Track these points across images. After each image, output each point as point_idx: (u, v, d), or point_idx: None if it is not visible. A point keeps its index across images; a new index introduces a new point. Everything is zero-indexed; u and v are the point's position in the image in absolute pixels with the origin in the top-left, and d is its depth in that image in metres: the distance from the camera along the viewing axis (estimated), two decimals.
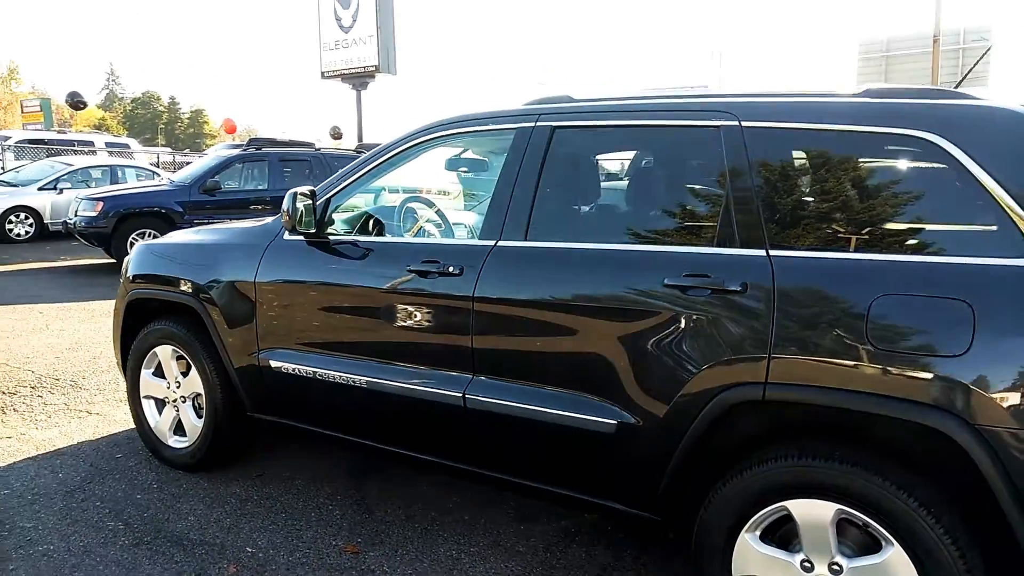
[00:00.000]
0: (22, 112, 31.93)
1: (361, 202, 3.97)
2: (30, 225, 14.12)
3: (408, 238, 3.58)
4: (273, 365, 3.28)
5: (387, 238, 3.42)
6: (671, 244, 2.55)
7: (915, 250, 2.12)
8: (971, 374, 1.91)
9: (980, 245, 2.05)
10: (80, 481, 3.58)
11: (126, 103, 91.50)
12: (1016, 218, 1.97)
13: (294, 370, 3.21)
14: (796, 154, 2.42)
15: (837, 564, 2.09)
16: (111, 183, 14.43)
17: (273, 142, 12.09)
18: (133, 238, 10.27)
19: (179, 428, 3.74)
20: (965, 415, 1.92)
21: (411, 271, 2.88)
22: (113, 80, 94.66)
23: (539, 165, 2.78)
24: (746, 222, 2.32)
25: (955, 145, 2.08)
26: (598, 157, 3.32)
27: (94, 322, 7.13)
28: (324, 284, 3.18)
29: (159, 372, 3.80)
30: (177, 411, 3.73)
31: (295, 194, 3.15)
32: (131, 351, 3.85)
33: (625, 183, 3.24)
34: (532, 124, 2.85)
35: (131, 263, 3.92)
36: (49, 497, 3.41)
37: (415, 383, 2.89)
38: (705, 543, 2.32)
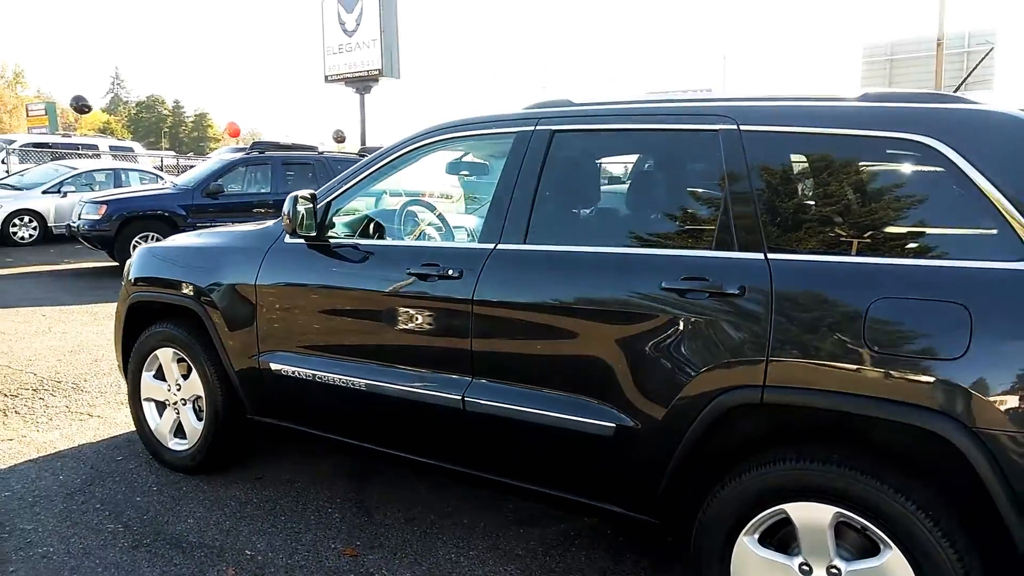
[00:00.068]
0: (27, 116, 32.03)
1: (362, 205, 3.98)
2: (34, 228, 14.16)
3: (408, 241, 3.59)
4: (273, 368, 3.29)
5: (387, 241, 3.42)
6: (669, 247, 2.56)
7: (913, 253, 2.12)
8: (968, 377, 1.91)
9: (977, 249, 2.05)
10: (80, 483, 3.59)
11: (131, 107, 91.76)
12: (1013, 222, 1.97)
13: (294, 373, 3.22)
14: (794, 158, 2.42)
15: (835, 567, 2.09)
16: (115, 186, 14.47)
17: (276, 146, 12.13)
18: (136, 241, 10.30)
19: (179, 430, 3.75)
20: (962, 418, 1.92)
21: (411, 274, 2.89)
22: (118, 84, 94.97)
23: (538, 169, 2.79)
24: (744, 225, 2.32)
25: (953, 149, 2.09)
26: (598, 161, 3.32)
27: (96, 325, 7.15)
28: (324, 287, 3.19)
29: (160, 375, 3.81)
30: (177, 413, 3.74)
31: (296, 197, 3.16)
32: (132, 354, 3.86)
33: (626, 187, 3.24)
34: (532, 128, 2.86)
35: (133, 266, 3.93)
36: (49, 499, 3.42)
37: (415, 386, 2.89)
38: (704, 546, 2.32)
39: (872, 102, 2.31)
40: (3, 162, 17.53)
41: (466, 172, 4.07)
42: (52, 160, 17.27)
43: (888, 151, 2.25)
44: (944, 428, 1.93)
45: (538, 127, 2.84)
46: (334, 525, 3.22)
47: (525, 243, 2.73)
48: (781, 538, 2.22)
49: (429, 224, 3.82)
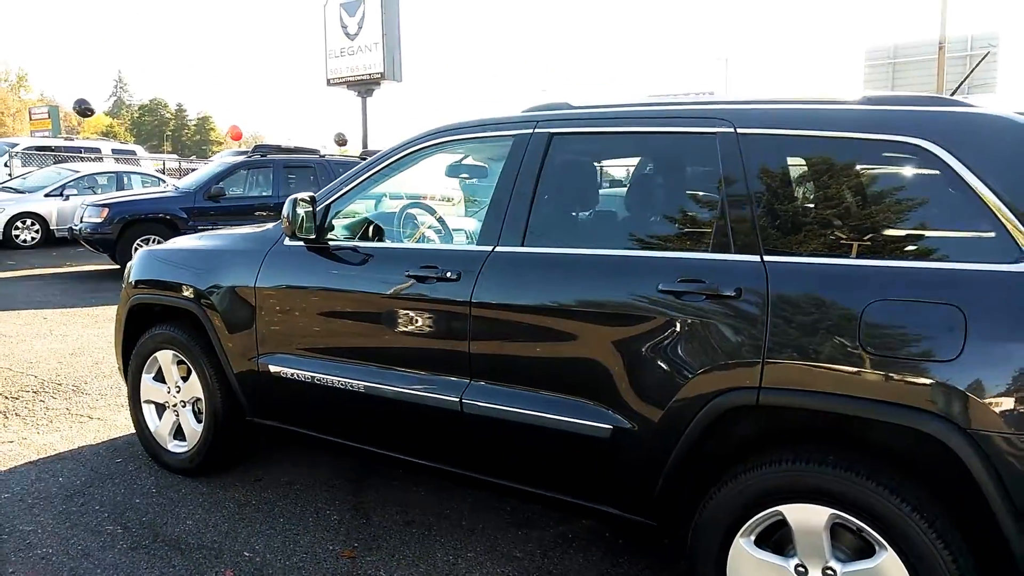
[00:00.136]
0: (30, 119, 32.16)
1: (362, 208, 3.99)
2: (36, 231, 14.20)
3: (407, 244, 3.60)
4: (272, 370, 3.29)
5: (386, 244, 3.43)
6: (667, 250, 2.57)
7: (908, 256, 2.12)
8: (963, 378, 1.92)
9: (972, 251, 2.05)
10: (80, 485, 3.60)
11: (133, 110, 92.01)
12: (1007, 224, 1.98)
13: (293, 375, 3.23)
14: (791, 161, 2.43)
15: (831, 569, 2.09)
16: (117, 189, 14.51)
17: (278, 149, 12.16)
18: (138, 244, 10.32)
19: (179, 433, 3.76)
20: (957, 419, 1.92)
21: (409, 276, 2.90)
22: (121, 87, 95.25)
23: (537, 171, 2.80)
24: (741, 228, 2.33)
25: (947, 152, 2.09)
26: (596, 164, 3.33)
27: (97, 327, 7.16)
28: (323, 289, 3.19)
29: (160, 377, 3.82)
30: (177, 416, 3.75)
31: (295, 200, 3.17)
32: (132, 356, 3.87)
33: (624, 189, 3.25)
34: (530, 131, 2.87)
35: (133, 268, 3.95)
36: (49, 501, 3.43)
37: (413, 388, 2.90)
38: (700, 548, 2.32)
39: (868, 105, 2.32)
40: (6, 165, 17.58)
41: (466, 175, 4.09)
42: (55, 163, 17.32)
43: (884, 154, 2.26)
44: (939, 430, 1.94)
45: (536, 130, 2.85)
46: (332, 527, 3.23)
47: (523, 246, 2.74)
48: (777, 540, 2.22)
49: (428, 227, 3.83)
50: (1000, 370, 1.90)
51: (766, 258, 2.26)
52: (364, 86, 23.42)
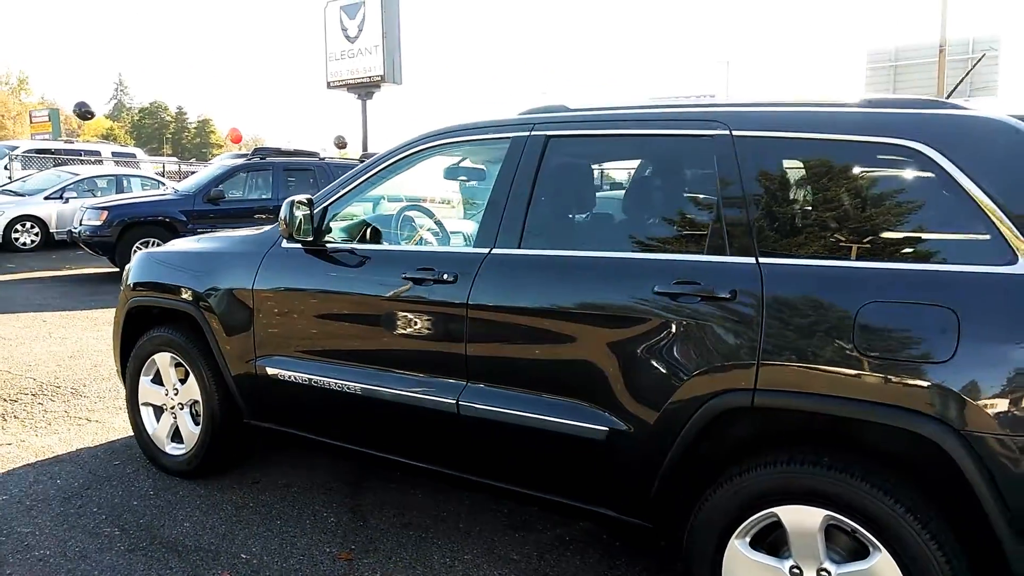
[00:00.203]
0: (31, 122, 32.18)
1: (361, 211, 4.00)
2: (36, 234, 14.20)
3: (404, 246, 3.61)
4: (270, 372, 3.30)
5: (383, 246, 3.43)
6: (662, 252, 2.57)
7: (902, 258, 2.13)
8: (956, 380, 1.93)
9: (965, 253, 2.06)
10: (78, 487, 3.60)
11: (134, 113, 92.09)
12: (1000, 226, 1.99)
13: (290, 377, 3.23)
14: (786, 163, 2.44)
15: (825, 570, 2.09)
16: (116, 192, 14.52)
17: (278, 152, 12.17)
18: (137, 247, 10.32)
19: (177, 435, 3.76)
20: (950, 421, 1.93)
21: (406, 279, 2.90)
22: (121, 90, 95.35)
23: (533, 174, 2.81)
24: (736, 230, 2.34)
25: (941, 154, 2.10)
26: (592, 166, 3.34)
27: (96, 330, 7.17)
28: (320, 291, 3.20)
29: (158, 379, 3.82)
30: (175, 418, 3.75)
31: (292, 202, 3.18)
32: (130, 358, 3.88)
33: (620, 192, 3.26)
34: (527, 133, 2.87)
35: (131, 271, 3.96)
36: (47, 503, 3.43)
37: (409, 390, 2.91)
38: (695, 549, 2.33)
39: (862, 108, 2.32)
40: (6, 168, 17.59)
41: (464, 177, 4.10)
42: (54, 166, 17.33)
43: (878, 156, 2.27)
44: (932, 431, 1.94)
45: (533, 132, 2.86)
46: (329, 529, 3.23)
47: (520, 248, 2.74)
48: (772, 541, 2.23)
49: (426, 229, 3.84)
50: (993, 372, 1.91)
51: (761, 260, 2.26)
52: (364, 89, 23.45)
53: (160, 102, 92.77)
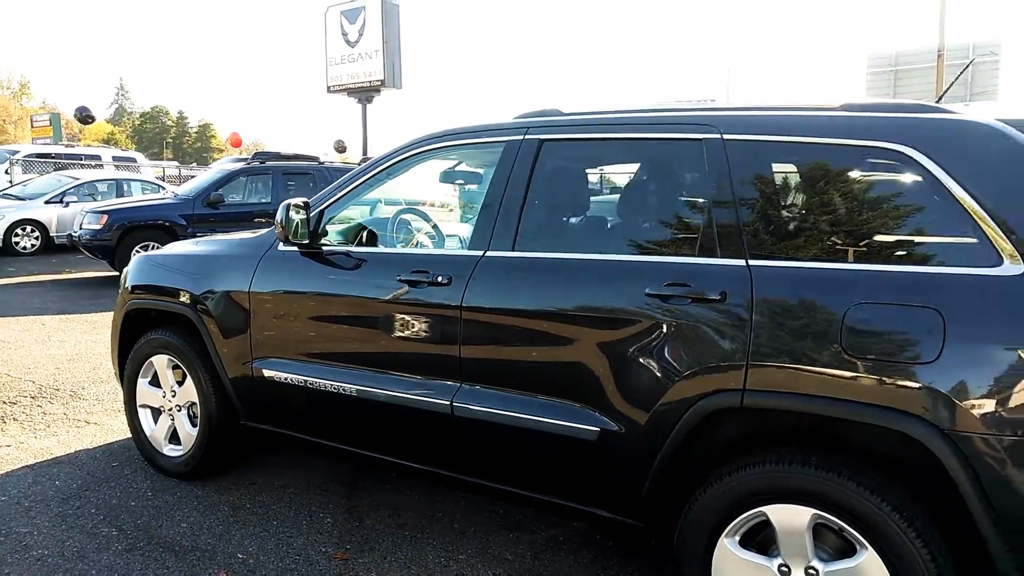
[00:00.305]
0: (32, 127, 32.24)
1: (357, 214, 4.02)
2: (36, 238, 14.25)
3: (399, 248, 3.64)
4: (266, 374, 3.33)
5: (378, 249, 3.46)
6: (654, 254, 2.60)
7: (889, 260, 2.16)
8: (942, 380, 1.95)
9: (951, 255, 2.09)
10: (76, 489, 3.63)
11: (135, 117, 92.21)
12: (986, 228, 2.01)
13: (286, 379, 3.26)
14: (776, 166, 2.47)
15: (813, 568, 2.12)
16: (117, 196, 14.56)
17: (278, 156, 12.21)
18: (137, 251, 10.35)
19: (174, 437, 3.79)
20: (936, 421, 1.95)
21: (401, 281, 2.93)
22: (123, 95, 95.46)
23: (527, 177, 2.84)
24: (726, 233, 2.36)
25: (928, 157, 2.13)
26: (585, 169, 3.37)
27: (96, 334, 7.20)
28: (316, 294, 3.23)
29: (155, 381, 3.85)
30: (172, 420, 3.78)
31: (289, 205, 3.21)
32: (128, 361, 3.91)
33: (612, 195, 3.29)
34: (521, 137, 2.90)
35: (129, 274, 3.99)
36: (45, 504, 3.46)
37: (404, 392, 2.93)
38: (686, 548, 2.35)
39: (850, 112, 2.35)
40: (7, 172, 17.63)
41: (460, 181, 4.12)
42: (55, 170, 17.38)
43: (866, 159, 2.29)
44: (918, 431, 1.97)
45: (527, 136, 2.89)
46: (325, 530, 3.25)
47: (513, 250, 2.77)
48: (761, 540, 2.25)
49: (421, 232, 3.87)
50: (978, 372, 1.93)
51: (751, 262, 2.29)
52: (364, 93, 23.51)
53: (161, 107, 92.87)
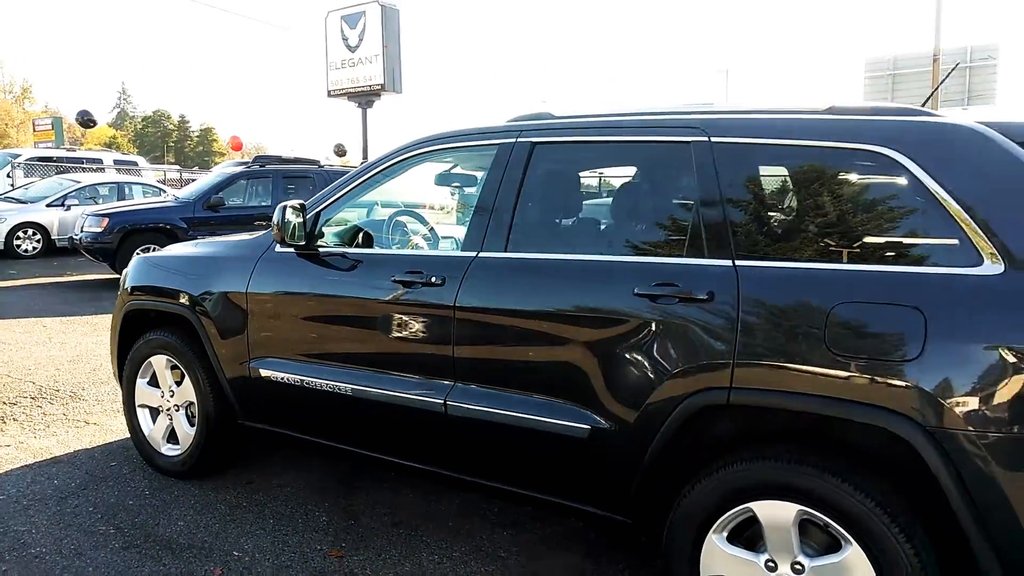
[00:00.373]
0: (34, 130, 32.30)
1: (354, 216, 4.07)
2: (37, 241, 14.30)
3: (394, 250, 3.68)
4: (263, 374, 3.36)
5: (374, 250, 3.50)
6: (643, 255, 2.64)
7: (872, 260, 2.19)
8: (923, 378, 1.99)
9: (933, 255, 2.13)
10: (74, 487, 3.66)
11: (137, 121, 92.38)
12: (967, 229, 2.05)
13: (283, 379, 3.30)
14: (762, 168, 2.51)
15: (799, 564, 2.15)
16: (118, 200, 14.61)
17: (278, 159, 12.27)
18: (138, 253, 10.38)
19: (172, 436, 3.83)
20: (917, 418, 1.99)
21: (396, 282, 2.97)
22: (125, 99, 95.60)
23: (520, 179, 2.87)
24: (713, 233, 2.40)
25: (910, 159, 2.17)
26: (576, 172, 3.41)
27: (96, 335, 7.24)
28: (313, 295, 3.27)
29: (154, 381, 3.89)
30: (170, 420, 3.81)
31: (285, 207, 3.25)
32: (127, 361, 3.95)
33: (604, 196, 3.33)
34: (513, 140, 2.94)
35: (129, 275, 4.03)
36: (43, 502, 3.49)
37: (399, 391, 2.96)
38: (674, 545, 2.38)
39: (835, 115, 2.39)
40: (8, 176, 17.70)
41: (456, 184, 4.16)
42: (57, 174, 17.44)
43: (850, 162, 2.33)
44: (900, 428, 2.00)
45: (519, 139, 2.93)
46: (321, 528, 3.29)
47: (506, 251, 2.81)
48: (749, 536, 2.28)
49: (416, 234, 3.91)
50: (959, 370, 1.97)
51: (737, 262, 2.33)
52: (364, 97, 23.54)
53: (163, 111, 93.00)
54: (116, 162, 20.94)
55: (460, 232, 3.98)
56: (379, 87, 22.85)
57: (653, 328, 2.40)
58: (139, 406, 3.93)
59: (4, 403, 4.98)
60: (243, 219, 11.02)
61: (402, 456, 3.10)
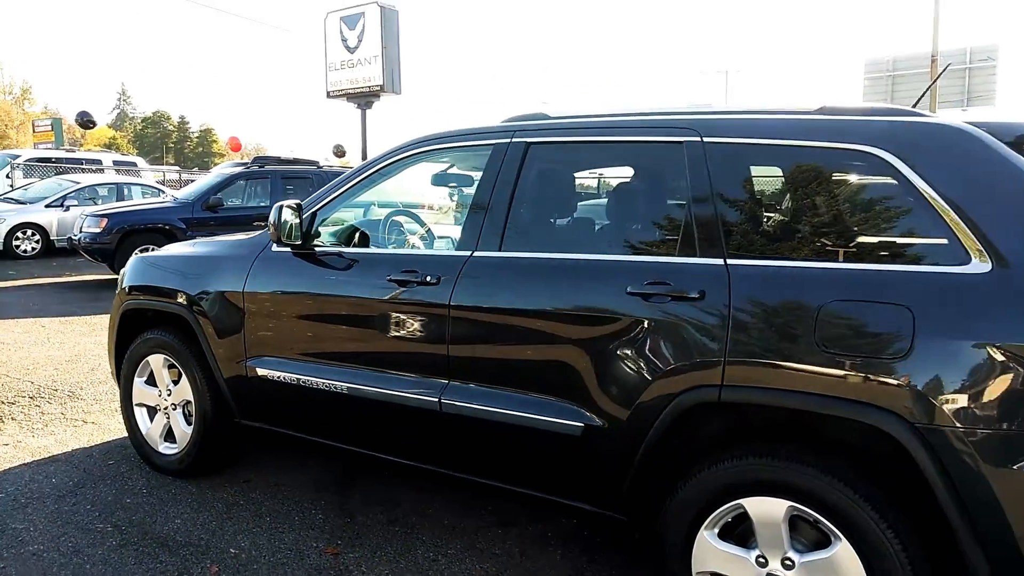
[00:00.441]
0: (34, 131, 32.32)
1: (351, 216, 4.08)
2: (37, 241, 14.31)
3: (389, 249, 3.70)
4: (259, 373, 3.38)
5: (369, 249, 3.52)
6: (635, 254, 2.66)
7: (861, 258, 2.22)
8: (911, 375, 2.01)
9: (922, 253, 2.15)
10: (72, 486, 3.68)
11: (137, 122, 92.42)
12: (954, 228, 2.07)
13: (279, 377, 3.32)
14: (753, 168, 2.53)
15: (789, 559, 2.17)
16: (117, 200, 14.63)
17: (278, 160, 12.30)
18: (136, 254, 10.40)
19: (170, 435, 3.84)
20: (905, 415, 2.01)
21: (391, 281, 2.99)
22: (124, 100, 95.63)
23: (514, 179, 2.90)
24: (705, 233, 2.42)
25: (899, 159, 2.19)
26: (571, 172, 3.43)
27: (94, 335, 7.26)
28: (308, 293, 3.29)
29: (151, 380, 3.91)
30: (168, 418, 3.83)
31: (281, 207, 3.27)
32: (124, 360, 3.96)
33: (597, 196, 3.35)
34: (508, 140, 2.96)
35: (126, 275, 4.05)
36: (41, 501, 3.51)
37: (394, 389, 2.98)
38: (667, 541, 2.40)
39: (825, 115, 2.41)
40: (8, 176, 17.71)
41: (452, 184, 4.19)
42: (56, 175, 17.45)
43: (840, 162, 2.35)
44: (888, 425, 2.02)
45: (514, 139, 2.95)
46: (317, 526, 3.30)
47: (500, 251, 2.83)
48: (740, 532, 2.31)
49: (413, 233, 3.93)
50: (946, 368, 1.99)
51: (729, 261, 2.35)
52: (364, 98, 23.56)
53: (163, 112, 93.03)
54: (115, 163, 20.97)
55: (456, 232, 4.00)
56: (378, 88, 22.86)
57: (645, 326, 2.42)
58: (137, 405, 3.95)
59: (2, 402, 4.99)
60: (242, 220, 11.03)
61: (398, 454, 3.12)
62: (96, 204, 14.22)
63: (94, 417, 4.74)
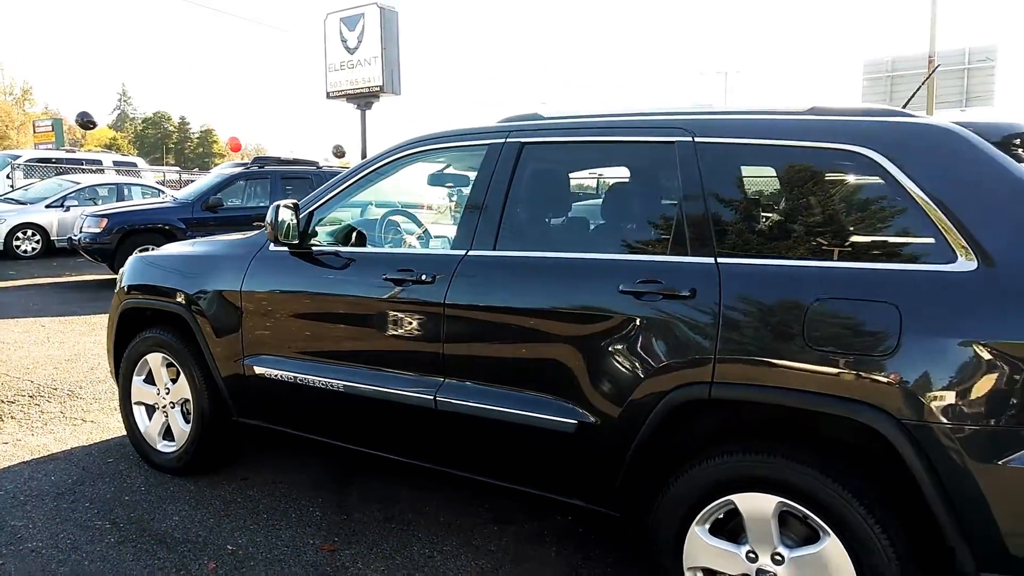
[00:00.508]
0: (34, 132, 32.37)
1: (348, 215, 4.11)
2: (37, 242, 14.34)
3: (385, 249, 3.72)
4: (257, 371, 3.41)
5: (366, 249, 3.55)
6: (628, 252, 2.69)
7: (850, 257, 2.24)
8: (898, 372, 2.03)
9: (909, 252, 2.17)
10: (71, 484, 3.71)
11: (137, 123, 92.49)
12: (942, 227, 2.10)
13: (277, 376, 3.34)
14: (744, 168, 2.56)
15: (779, 554, 2.20)
16: (117, 200, 14.66)
17: (277, 161, 12.33)
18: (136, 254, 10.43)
19: (168, 433, 3.87)
20: (893, 411, 2.03)
21: (387, 280, 3.01)
22: (125, 101, 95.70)
23: (508, 179, 2.92)
24: (696, 232, 2.45)
25: (887, 159, 2.22)
26: (564, 171, 3.45)
27: (94, 335, 7.28)
28: (305, 292, 3.31)
29: (150, 379, 3.93)
30: (166, 417, 3.86)
31: (278, 207, 3.29)
32: (123, 359, 3.99)
33: (592, 196, 3.38)
34: (503, 140, 2.99)
35: (125, 274, 4.08)
36: (40, 498, 3.54)
37: (390, 387, 3.01)
38: (658, 537, 2.43)
39: (815, 115, 2.44)
40: (8, 177, 17.75)
41: (448, 184, 4.21)
42: (56, 175, 17.49)
43: (829, 161, 2.38)
44: (876, 421, 2.05)
45: (508, 139, 2.98)
46: (314, 523, 3.33)
47: (494, 250, 2.85)
48: (731, 528, 2.33)
49: (409, 233, 3.96)
50: (933, 365, 2.01)
51: (719, 260, 2.37)
52: (363, 99, 23.58)
53: (163, 112, 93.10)
54: (115, 163, 21.00)
55: (452, 231, 4.03)
56: (378, 89, 22.89)
57: (637, 324, 2.44)
58: (135, 403, 3.98)
59: (2, 401, 5.02)
60: (241, 220, 11.04)
61: (394, 452, 3.15)
62: (96, 204, 14.24)
63: (93, 416, 4.77)
